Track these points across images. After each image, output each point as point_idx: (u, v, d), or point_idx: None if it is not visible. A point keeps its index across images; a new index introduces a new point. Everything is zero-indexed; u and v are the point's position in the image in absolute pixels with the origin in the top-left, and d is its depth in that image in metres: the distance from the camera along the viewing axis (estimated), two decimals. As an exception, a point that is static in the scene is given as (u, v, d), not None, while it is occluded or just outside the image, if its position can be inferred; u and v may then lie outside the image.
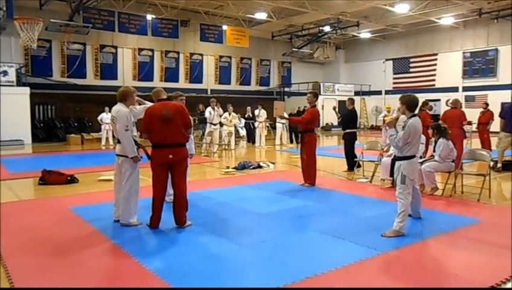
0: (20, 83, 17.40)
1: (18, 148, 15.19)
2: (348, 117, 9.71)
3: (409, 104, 4.85)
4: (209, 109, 13.85)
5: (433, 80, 25.05)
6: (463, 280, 3.54)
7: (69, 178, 8.09)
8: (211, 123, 13.64)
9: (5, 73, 16.57)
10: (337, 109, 10.84)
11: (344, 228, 4.96)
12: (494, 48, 22.52)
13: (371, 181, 8.11)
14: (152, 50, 22.39)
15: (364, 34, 25.63)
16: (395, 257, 4.05)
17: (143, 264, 3.77)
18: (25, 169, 9.71)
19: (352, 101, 9.97)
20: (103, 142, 15.75)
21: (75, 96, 19.86)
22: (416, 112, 4.98)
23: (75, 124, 19.29)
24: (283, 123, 16.14)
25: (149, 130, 4.90)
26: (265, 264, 3.87)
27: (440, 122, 9.64)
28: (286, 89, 27.51)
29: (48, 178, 8.00)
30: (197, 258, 3.98)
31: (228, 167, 10.06)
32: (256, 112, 16.11)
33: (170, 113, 4.85)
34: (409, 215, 5.02)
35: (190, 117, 5.50)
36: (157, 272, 3.58)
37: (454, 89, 23.47)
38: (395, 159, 5.03)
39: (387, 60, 27.28)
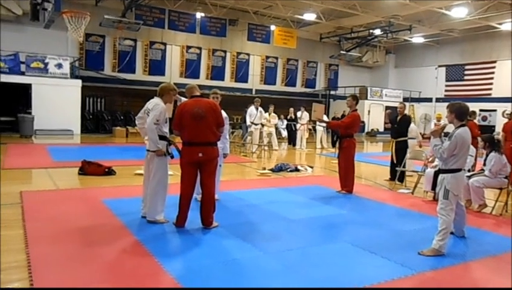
0: (73, 75, 18.09)
1: (67, 138, 15.78)
2: (404, 123, 8.84)
3: (459, 113, 4.46)
4: (251, 108, 13.74)
5: (490, 89, 23.61)
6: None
7: (106, 170, 8.23)
8: (253, 123, 13.53)
9: (59, 66, 17.27)
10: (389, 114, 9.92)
11: (378, 242, 4.64)
12: (560, 56, 20.90)
13: (412, 193, 7.65)
14: (200, 48, 22.62)
15: (417, 39, 24.58)
16: (431, 279, 3.70)
17: (161, 264, 3.67)
18: (69, 158, 9.98)
19: (404, 105, 9.12)
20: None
21: (123, 91, 20.42)
22: None
23: (122, 117, 19.81)
24: (323, 126, 15.75)
25: (180, 127, 4.81)
26: (288, 275, 3.65)
27: (501, 133, 8.96)
28: (332, 92, 26.95)
29: (87, 169, 8.18)
30: (217, 262, 3.82)
31: (264, 168, 9.88)
32: (299, 114, 15.82)
33: (202, 110, 4.73)
34: (451, 234, 4.62)
35: (225, 116, 5.38)
36: (173, 274, 3.46)
37: (513, 100, 22.01)
38: (439, 171, 4.64)
39: (440, 66, 26.04)
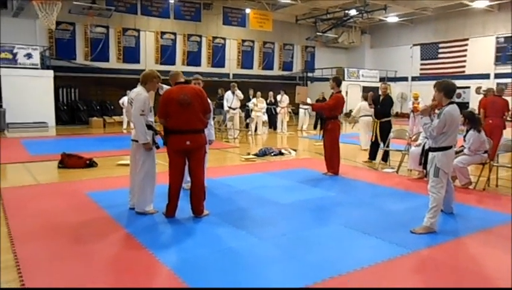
0: (44, 65, 17.46)
1: (42, 131, 15.28)
2: (387, 103, 8.90)
3: (447, 91, 4.45)
4: (228, 93, 13.57)
5: (463, 67, 24.04)
6: (506, 284, 3.21)
7: (87, 162, 8.00)
8: (230, 108, 13.37)
9: (29, 56, 16.62)
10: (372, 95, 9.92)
11: (370, 222, 4.66)
12: (530, 33, 21.38)
13: (397, 171, 7.74)
14: (174, 33, 22.14)
15: (392, 18, 24.71)
16: (428, 257, 3.73)
17: (156, 256, 3.57)
18: (46, 152, 9.66)
19: (387, 86, 9.13)
20: (124, 126, 15.71)
21: (98, 80, 19.88)
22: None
23: (98, 107, 19.33)
24: (305, 109, 15.77)
25: (165, 115, 4.66)
26: (286, 261, 3.62)
27: (481, 111, 9.06)
28: (309, 74, 26.93)
29: (67, 162, 7.93)
30: (213, 251, 3.75)
31: (249, 154, 9.81)
32: (279, 97, 15.77)
33: (188, 97, 4.59)
34: (441, 211, 4.67)
35: (209, 102, 5.26)
36: (170, 266, 3.38)
37: (486, 76, 22.47)
38: (429, 150, 4.66)
39: (414, 45, 26.30)
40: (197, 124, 4.67)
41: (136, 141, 4.82)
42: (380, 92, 9.18)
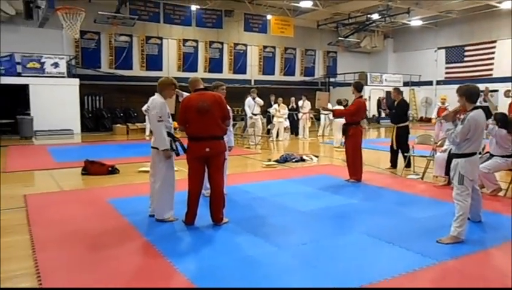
0: (70, 74, 17.88)
1: (67, 138, 15.63)
2: (401, 108, 8.72)
3: (469, 95, 4.30)
4: (248, 99, 13.56)
5: (491, 70, 23.37)
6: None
7: (110, 169, 8.10)
8: (253, 114, 13.36)
9: (56, 65, 17.06)
10: (385, 101, 9.94)
11: (394, 231, 4.52)
12: (561, 33, 20.65)
13: (422, 178, 7.54)
14: (196, 41, 22.35)
15: (415, 22, 24.27)
16: (454, 268, 3.58)
17: (174, 265, 3.55)
18: (71, 159, 9.83)
19: (398, 91, 8.95)
20: (147, 132, 15.87)
21: (121, 87, 20.22)
22: None
23: (121, 115, 19.63)
24: (326, 114, 15.61)
25: (185, 122, 4.66)
26: (305, 271, 3.53)
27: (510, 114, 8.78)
28: (331, 80, 26.72)
29: (90, 169, 8.04)
30: (232, 260, 3.70)
31: (270, 160, 9.75)
32: (300, 102, 15.67)
33: (207, 104, 4.58)
34: (468, 219, 4.49)
35: (229, 108, 5.23)
36: (188, 275, 3.35)
37: (515, 79, 21.80)
38: (453, 156, 4.50)
39: (439, 48, 25.77)
40: (216, 131, 4.64)
41: (156, 148, 4.83)
42: (392, 97, 9.01)
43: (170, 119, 4.96)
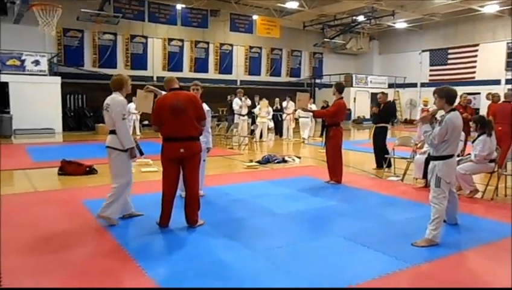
0: (52, 72, 17.57)
1: (49, 137, 15.34)
2: (386, 110, 8.92)
3: (449, 97, 4.29)
4: (236, 99, 13.49)
5: (473, 72, 23.70)
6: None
7: (87, 169, 7.94)
8: (240, 114, 13.30)
9: (37, 62, 16.74)
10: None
11: (370, 234, 4.48)
12: (542, 38, 20.99)
13: (402, 180, 7.55)
14: (182, 40, 22.18)
15: (400, 24, 24.48)
16: (427, 272, 3.55)
17: (143, 269, 3.45)
18: (49, 158, 9.60)
19: (383, 95, 9.11)
20: (138, 132, 15.68)
21: (105, 86, 19.57)
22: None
23: (104, 114, 19.38)
24: (305, 116, 15.49)
25: (159, 122, 4.57)
26: (279, 274, 3.46)
27: (489, 116, 8.85)
28: (317, 81, 26.79)
29: (67, 169, 7.87)
30: (204, 264, 3.62)
31: (251, 161, 9.67)
32: (284, 103, 15.60)
33: (182, 103, 4.49)
34: (444, 221, 4.48)
35: (207, 109, 5.15)
36: (157, 280, 3.25)
37: (496, 82, 22.09)
38: (430, 158, 4.49)
39: (423, 51, 26.03)
40: (191, 131, 4.55)
41: (112, 148, 4.66)
42: (379, 100, 9.19)
43: (129, 118, 4.89)
